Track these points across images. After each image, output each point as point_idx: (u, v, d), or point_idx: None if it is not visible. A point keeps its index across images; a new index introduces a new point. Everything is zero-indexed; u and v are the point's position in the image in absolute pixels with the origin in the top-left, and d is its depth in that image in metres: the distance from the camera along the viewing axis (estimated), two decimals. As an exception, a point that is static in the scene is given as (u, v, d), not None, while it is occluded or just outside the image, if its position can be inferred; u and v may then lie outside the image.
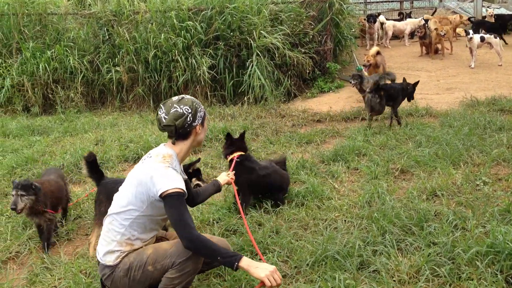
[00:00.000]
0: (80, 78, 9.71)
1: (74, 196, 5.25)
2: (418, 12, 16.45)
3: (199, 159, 4.47)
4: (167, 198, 2.89)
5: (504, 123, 6.60)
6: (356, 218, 4.24)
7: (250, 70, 9.06)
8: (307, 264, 3.56)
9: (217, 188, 3.81)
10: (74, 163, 6.24)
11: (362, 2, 16.81)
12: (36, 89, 9.71)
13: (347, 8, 11.32)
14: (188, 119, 3.08)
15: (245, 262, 2.82)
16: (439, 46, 12.25)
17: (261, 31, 9.25)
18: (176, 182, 2.93)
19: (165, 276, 3.00)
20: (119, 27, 9.83)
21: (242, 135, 4.67)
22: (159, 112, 3.13)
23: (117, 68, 9.58)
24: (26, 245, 4.27)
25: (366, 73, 9.31)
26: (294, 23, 9.74)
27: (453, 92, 9.00)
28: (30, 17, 10.29)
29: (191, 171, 4.22)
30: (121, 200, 3.07)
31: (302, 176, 5.37)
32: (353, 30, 12.21)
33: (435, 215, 4.18)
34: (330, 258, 3.57)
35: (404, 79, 7.33)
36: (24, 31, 10.15)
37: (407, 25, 13.75)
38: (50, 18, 10.40)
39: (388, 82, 7.95)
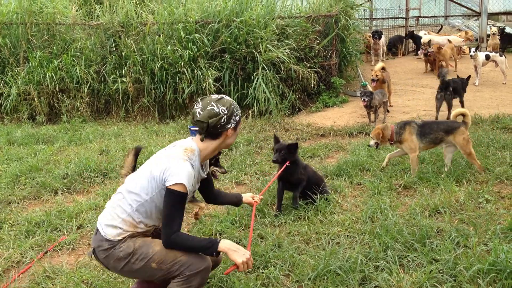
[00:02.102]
0: (86, 88, 9.79)
1: (78, 204, 5.26)
2: (423, 30, 16.50)
3: (220, 152, 4.69)
4: (170, 192, 2.90)
5: (507, 141, 6.60)
6: (359, 233, 4.24)
7: (255, 83, 9.11)
8: (309, 279, 3.56)
9: (238, 201, 3.78)
10: (78, 172, 6.26)
11: (368, 18, 16.90)
12: (42, 98, 9.79)
13: (353, 24, 11.39)
14: (223, 120, 3.05)
15: (224, 245, 2.93)
16: (443, 63, 12.28)
17: (267, 45, 9.31)
18: (188, 179, 2.92)
19: (169, 286, 3.01)
20: (126, 38, 9.92)
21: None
22: (195, 106, 3.11)
23: (123, 79, 9.65)
24: (28, 254, 4.28)
25: (370, 88, 9.34)
26: (300, 37, 9.81)
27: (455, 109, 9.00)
28: (38, 27, 10.40)
29: (211, 161, 4.51)
30: (134, 182, 3.06)
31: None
32: (357, 44, 12.26)
33: (438, 232, 4.18)
34: (332, 273, 3.57)
35: (457, 75, 8.71)
36: (32, 40, 10.26)
37: (445, 40, 13.60)
38: (58, 28, 10.51)
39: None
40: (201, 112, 3.05)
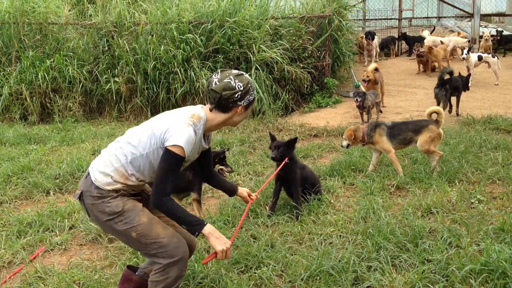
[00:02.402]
0: (78, 88, 9.74)
1: (70, 205, 5.24)
2: (416, 31, 16.56)
3: (227, 149, 5.00)
4: (167, 153, 2.91)
5: (499, 142, 6.63)
6: (351, 234, 4.25)
7: (249, 84, 9.09)
8: (302, 279, 3.56)
9: (232, 191, 3.68)
10: (70, 172, 6.23)
11: (361, 19, 16.93)
12: (34, 97, 9.73)
13: (346, 24, 11.41)
14: (236, 95, 3.04)
15: (208, 230, 2.96)
16: (436, 64, 12.33)
17: (261, 46, 9.31)
18: (187, 144, 2.92)
19: (149, 280, 3.05)
20: (119, 38, 9.88)
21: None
22: (213, 75, 3.12)
23: (116, 79, 9.61)
24: (20, 254, 4.25)
25: (363, 89, 9.36)
26: (294, 38, 9.81)
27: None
28: (31, 26, 10.33)
29: (216, 160, 4.70)
30: (134, 135, 3.07)
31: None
32: (351, 45, 12.28)
33: (430, 232, 4.20)
34: (324, 273, 3.57)
35: (459, 73, 8.81)
36: (24, 40, 10.19)
37: (450, 41, 13.64)
38: (51, 27, 10.45)
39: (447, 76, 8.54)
40: (217, 83, 3.05)
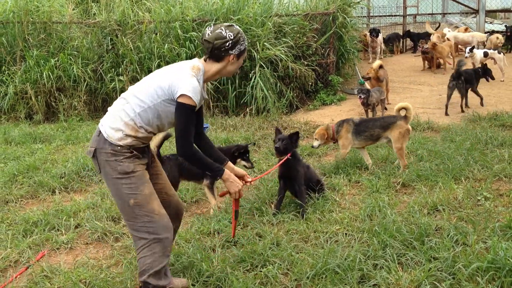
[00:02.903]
0: (83, 87, 9.77)
1: (76, 203, 5.25)
2: (421, 27, 16.50)
3: (249, 144, 5.05)
4: (180, 106, 3.11)
5: (505, 139, 6.60)
6: (357, 232, 4.23)
7: (253, 82, 9.10)
8: (308, 277, 3.55)
9: (220, 162, 3.51)
10: (75, 171, 6.24)
11: (365, 16, 16.86)
12: (39, 97, 9.76)
13: (351, 21, 11.37)
14: (227, 44, 3.22)
15: (225, 176, 3.36)
16: (441, 60, 12.28)
17: (265, 43, 9.29)
18: (195, 93, 3.11)
19: (138, 259, 3.24)
20: (123, 37, 9.89)
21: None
22: (206, 28, 3.34)
23: (121, 78, 9.63)
24: (26, 253, 4.26)
25: (368, 86, 9.34)
26: (298, 35, 9.79)
27: (455, 107, 9.01)
28: (35, 26, 10.36)
29: (236, 154, 4.81)
30: (140, 90, 3.23)
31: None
32: (355, 42, 12.24)
33: (436, 230, 4.17)
34: (330, 271, 3.56)
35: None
36: (28, 39, 10.22)
37: (474, 37, 13.61)
38: (55, 26, 10.47)
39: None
40: (210, 34, 3.24)
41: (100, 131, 3.20)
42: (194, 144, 3.26)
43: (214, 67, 3.30)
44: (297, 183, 4.85)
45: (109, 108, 3.31)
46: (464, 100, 8.91)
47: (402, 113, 5.99)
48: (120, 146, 3.15)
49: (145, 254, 3.19)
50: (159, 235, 3.19)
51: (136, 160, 3.20)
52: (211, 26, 3.30)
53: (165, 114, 3.19)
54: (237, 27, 3.32)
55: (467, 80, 8.81)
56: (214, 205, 5.09)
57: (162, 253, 3.21)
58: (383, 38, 14.24)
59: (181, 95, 3.08)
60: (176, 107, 3.12)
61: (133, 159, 3.19)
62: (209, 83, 9.09)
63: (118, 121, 3.17)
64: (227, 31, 3.23)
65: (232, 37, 3.23)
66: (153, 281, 3.23)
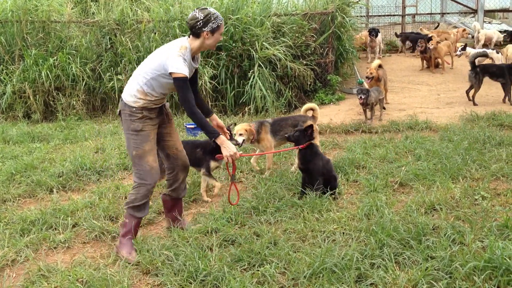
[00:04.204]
0: (82, 86, 9.76)
1: (73, 203, 5.24)
2: (420, 27, 16.49)
3: (230, 125, 5.53)
4: (176, 80, 4.00)
5: (503, 138, 6.60)
6: (355, 231, 4.23)
7: (252, 81, 9.10)
8: (305, 276, 3.55)
9: (207, 113, 4.48)
10: (73, 170, 6.24)
11: (364, 16, 16.85)
12: (37, 96, 9.75)
13: (349, 21, 11.37)
14: (199, 23, 4.07)
15: (219, 140, 4.16)
16: (439, 60, 12.29)
17: (263, 43, 9.30)
18: (182, 68, 3.97)
19: (129, 192, 4.27)
20: (122, 36, 9.88)
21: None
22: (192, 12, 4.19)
23: (119, 77, 9.62)
24: (23, 252, 4.26)
25: (367, 86, 9.34)
26: (296, 35, 9.79)
27: (453, 107, 9.03)
28: (34, 25, 10.34)
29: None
30: (148, 63, 4.16)
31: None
32: (353, 41, 12.24)
33: (433, 229, 4.18)
34: (327, 271, 3.56)
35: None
36: (27, 38, 10.20)
37: (495, 34, 14.14)
38: (54, 25, 10.46)
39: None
40: (188, 16, 4.15)
41: (122, 98, 4.19)
42: (195, 107, 4.10)
43: (196, 42, 4.15)
44: (313, 174, 5.11)
45: (128, 81, 4.25)
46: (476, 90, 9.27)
47: (309, 113, 6.23)
48: (135, 107, 4.09)
49: (132, 192, 4.20)
50: (145, 181, 4.15)
51: (147, 121, 4.13)
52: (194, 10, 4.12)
53: (164, 84, 4.10)
54: (211, 9, 4.13)
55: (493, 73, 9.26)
56: (218, 188, 5.56)
57: (143, 194, 4.17)
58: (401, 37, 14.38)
59: (171, 73, 3.98)
60: (174, 81, 4.00)
61: (144, 120, 4.12)
62: (207, 83, 9.11)
63: (132, 89, 4.13)
64: (199, 12, 4.09)
65: (202, 17, 4.06)
66: (131, 211, 4.21)
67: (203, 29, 4.08)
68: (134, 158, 4.16)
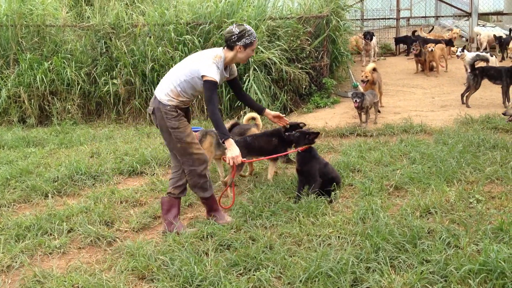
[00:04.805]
0: (77, 90, 9.73)
1: (69, 208, 5.23)
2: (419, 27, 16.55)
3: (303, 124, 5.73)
4: (206, 82, 4.42)
5: (497, 141, 6.63)
6: (350, 235, 4.25)
7: (247, 85, 9.10)
8: (301, 281, 3.56)
9: (259, 110, 5.22)
10: (68, 175, 6.22)
11: (359, 19, 16.90)
12: (32, 100, 9.72)
13: (344, 24, 11.40)
14: (233, 37, 4.50)
15: (227, 143, 4.50)
16: (434, 63, 12.33)
17: (258, 46, 9.30)
18: (214, 74, 4.41)
19: (187, 178, 4.68)
20: (117, 40, 9.88)
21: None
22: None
23: (114, 81, 9.62)
24: (18, 258, 4.25)
25: (362, 89, 9.36)
26: (291, 38, 9.81)
27: (448, 110, 9.06)
28: (28, 29, 10.31)
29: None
30: (184, 66, 4.59)
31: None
32: (348, 44, 12.27)
33: (428, 233, 4.19)
34: (323, 275, 3.57)
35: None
36: (22, 42, 10.17)
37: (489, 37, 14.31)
38: (48, 30, 10.43)
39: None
40: (226, 29, 4.63)
41: (155, 96, 4.57)
42: (218, 108, 4.61)
43: (229, 54, 4.57)
44: (310, 177, 5.22)
45: (161, 80, 4.69)
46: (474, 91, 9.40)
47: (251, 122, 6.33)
48: (169, 106, 4.48)
49: (188, 178, 4.66)
50: (195, 167, 4.59)
51: (181, 118, 4.54)
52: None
53: (196, 86, 4.51)
54: (247, 26, 4.56)
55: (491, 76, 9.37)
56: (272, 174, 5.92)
57: (198, 177, 4.62)
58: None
59: (203, 75, 4.41)
60: (203, 83, 4.43)
61: (179, 117, 4.52)
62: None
63: (166, 89, 4.53)
64: (235, 27, 4.54)
65: (237, 32, 4.49)
66: (201, 193, 4.73)
67: (237, 43, 4.49)
68: (179, 151, 4.57)
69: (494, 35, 13.85)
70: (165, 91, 4.52)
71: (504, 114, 7.09)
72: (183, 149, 4.54)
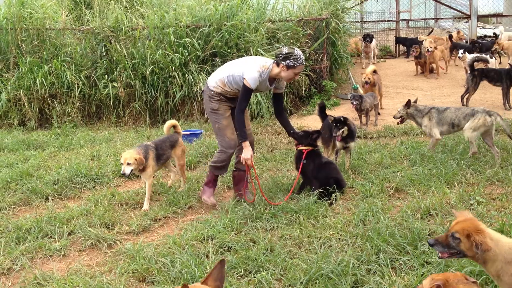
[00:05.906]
0: (77, 93, 9.75)
1: (69, 210, 5.23)
2: (414, 32, 16.60)
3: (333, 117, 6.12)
4: (243, 85, 4.98)
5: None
6: (351, 237, 4.24)
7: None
8: (301, 283, 3.56)
9: (289, 128, 5.49)
10: (69, 178, 6.22)
11: (359, 22, 16.93)
12: (32, 103, 9.73)
13: (344, 27, 11.42)
14: (280, 56, 4.93)
15: (244, 144, 5.07)
16: (434, 65, 12.34)
17: (258, 49, 9.31)
18: (251, 81, 4.94)
19: (214, 155, 5.40)
20: (116, 43, 9.89)
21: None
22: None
23: (114, 84, 9.62)
24: (19, 261, 4.24)
25: (361, 91, 9.36)
26: (291, 41, 9.82)
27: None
28: (28, 32, 10.33)
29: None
30: (236, 64, 5.20)
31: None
32: (348, 46, 12.28)
33: (429, 234, 4.19)
34: (324, 277, 3.57)
35: (509, 64, 9.54)
36: (21, 45, 10.19)
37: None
38: (48, 33, 10.45)
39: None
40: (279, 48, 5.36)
41: (206, 81, 5.32)
42: (244, 112, 5.09)
43: (275, 69, 5.01)
44: (308, 178, 5.47)
45: (216, 70, 5.39)
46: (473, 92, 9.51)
47: (171, 130, 5.99)
48: (214, 91, 5.16)
49: (216, 155, 5.30)
50: (225, 149, 5.19)
51: (223, 102, 5.19)
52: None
53: (239, 83, 5.04)
54: (297, 50, 4.96)
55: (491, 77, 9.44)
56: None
57: (224, 159, 5.24)
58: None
59: (244, 79, 4.95)
60: (242, 84, 4.98)
61: (220, 101, 5.18)
62: (202, 89, 9.10)
63: (216, 78, 5.19)
64: (286, 48, 5.01)
65: (285, 53, 4.91)
66: (213, 170, 5.35)
67: (282, 62, 4.91)
68: (216, 131, 5.23)
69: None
70: (215, 79, 5.18)
71: (394, 117, 7.01)
72: (218, 130, 5.17)
